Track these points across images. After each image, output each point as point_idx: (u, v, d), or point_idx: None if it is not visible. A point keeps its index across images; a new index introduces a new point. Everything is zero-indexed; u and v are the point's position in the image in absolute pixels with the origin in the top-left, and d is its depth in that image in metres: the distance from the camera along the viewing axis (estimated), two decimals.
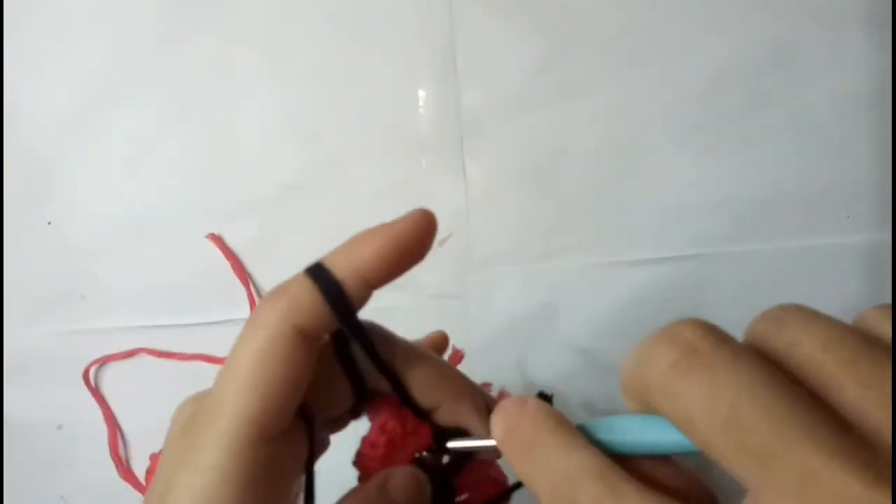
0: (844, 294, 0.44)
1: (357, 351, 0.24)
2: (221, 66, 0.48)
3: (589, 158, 0.46)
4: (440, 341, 0.34)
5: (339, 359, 0.24)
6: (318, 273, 0.23)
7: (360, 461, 0.25)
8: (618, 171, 0.46)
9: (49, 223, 0.49)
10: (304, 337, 0.22)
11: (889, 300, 0.44)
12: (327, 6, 0.47)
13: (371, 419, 0.25)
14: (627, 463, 0.20)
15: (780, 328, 0.19)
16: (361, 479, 0.25)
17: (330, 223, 0.47)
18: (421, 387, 0.25)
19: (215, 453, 0.21)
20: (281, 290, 0.23)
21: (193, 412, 0.23)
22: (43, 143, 0.49)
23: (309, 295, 0.22)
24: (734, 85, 0.45)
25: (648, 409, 0.20)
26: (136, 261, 0.48)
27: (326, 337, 0.24)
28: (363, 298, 0.23)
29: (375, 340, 0.24)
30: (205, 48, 0.48)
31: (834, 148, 0.45)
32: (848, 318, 0.45)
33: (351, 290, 0.23)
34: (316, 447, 0.24)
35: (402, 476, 0.25)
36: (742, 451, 0.17)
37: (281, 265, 0.48)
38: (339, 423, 0.27)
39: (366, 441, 0.25)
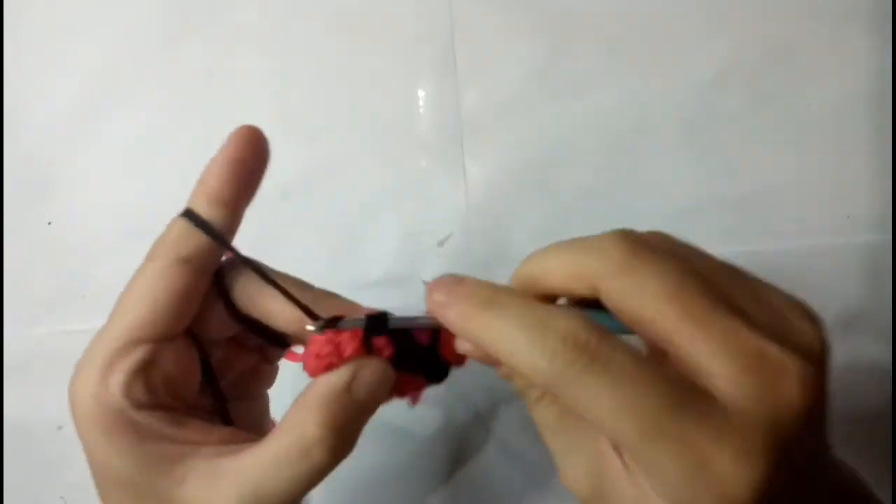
0: (844, 294, 0.44)
1: (240, 281, 0.29)
2: (221, 66, 0.48)
3: (589, 158, 0.46)
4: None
5: (216, 287, 0.29)
6: (188, 213, 0.28)
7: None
8: (618, 171, 0.46)
9: (49, 223, 0.49)
10: (190, 266, 0.27)
11: (889, 300, 0.44)
12: (327, 7, 0.47)
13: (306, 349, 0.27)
14: None
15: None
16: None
17: (330, 223, 0.47)
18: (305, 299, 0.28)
19: (103, 353, 0.26)
20: (165, 232, 0.28)
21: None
22: (43, 143, 0.49)
23: (186, 229, 0.27)
24: (734, 85, 0.45)
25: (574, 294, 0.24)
26: (136, 261, 0.48)
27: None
28: (229, 220, 0.28)
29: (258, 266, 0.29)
30: (205, 48, 0.48)
31: (834, 148, 0.45)
32: (847, 319, 0.45)
33: (215, 216, 0.27)
34: (211, 361, 0.29)
35: (369, 373, 0.26)
36: (685, 317, 0.21)
37: (281, 265, 0.48)
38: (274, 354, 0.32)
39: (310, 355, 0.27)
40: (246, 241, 0.48)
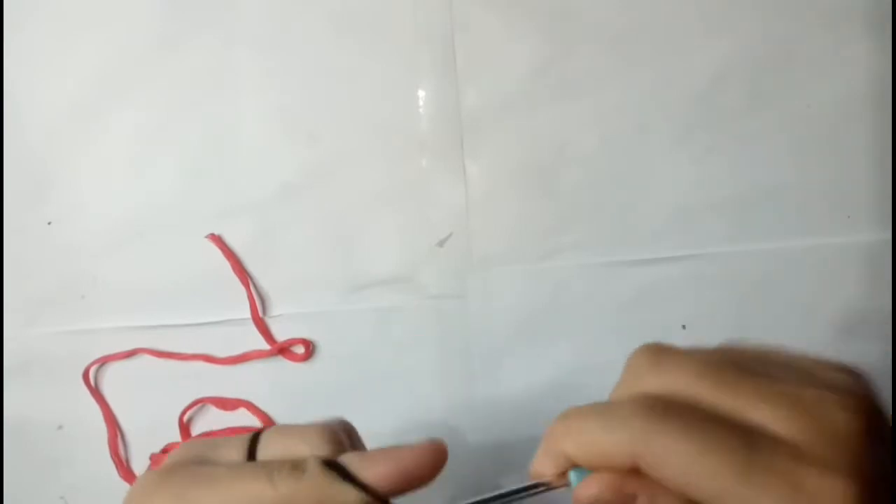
0: (844, 294, 0.44)
1: None
2: (221, 66, 0.48)
3: (589, 158, 0.46)
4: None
5: None
6: (337, 467, 0.26)
7: None
8: (618, 171, 0.46)
9: (49, 223, 0.49)
10: None
11: (889, 300, 0.44)
12: (327, 6, 0.47)
13: None
14: None
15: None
16: None
17: (330, 223, 0.47)
18: None
19: None
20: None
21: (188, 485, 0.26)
22: (43, 143, 0.49)
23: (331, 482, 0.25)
24: (734, 85, 0.45)
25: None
26: (135, 261, 0.48)
27: None
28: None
29: None
30: (205, 48, 0.48)
31: (834, 148, 0.45)
32: (847, 319, 0.45)
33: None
34: None
35: None
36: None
37: (281, 265, 0.48)
38: None
39: None
40: (246, 241, 0.49)
